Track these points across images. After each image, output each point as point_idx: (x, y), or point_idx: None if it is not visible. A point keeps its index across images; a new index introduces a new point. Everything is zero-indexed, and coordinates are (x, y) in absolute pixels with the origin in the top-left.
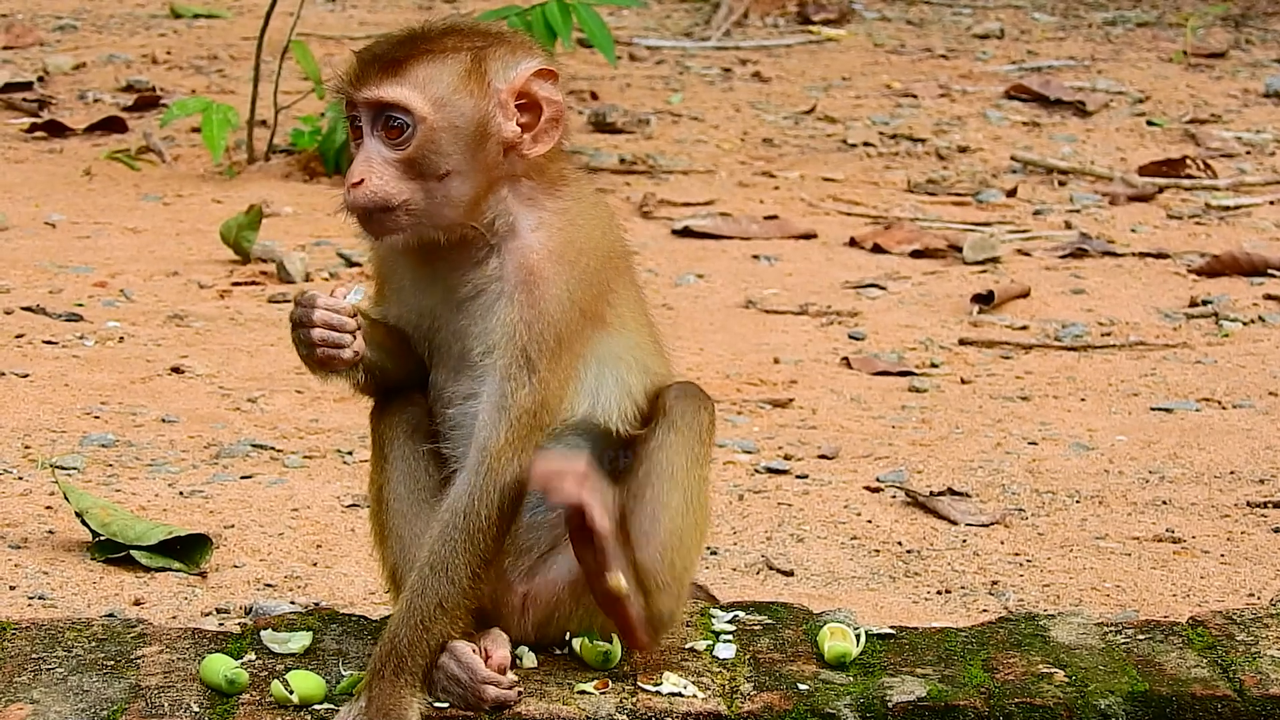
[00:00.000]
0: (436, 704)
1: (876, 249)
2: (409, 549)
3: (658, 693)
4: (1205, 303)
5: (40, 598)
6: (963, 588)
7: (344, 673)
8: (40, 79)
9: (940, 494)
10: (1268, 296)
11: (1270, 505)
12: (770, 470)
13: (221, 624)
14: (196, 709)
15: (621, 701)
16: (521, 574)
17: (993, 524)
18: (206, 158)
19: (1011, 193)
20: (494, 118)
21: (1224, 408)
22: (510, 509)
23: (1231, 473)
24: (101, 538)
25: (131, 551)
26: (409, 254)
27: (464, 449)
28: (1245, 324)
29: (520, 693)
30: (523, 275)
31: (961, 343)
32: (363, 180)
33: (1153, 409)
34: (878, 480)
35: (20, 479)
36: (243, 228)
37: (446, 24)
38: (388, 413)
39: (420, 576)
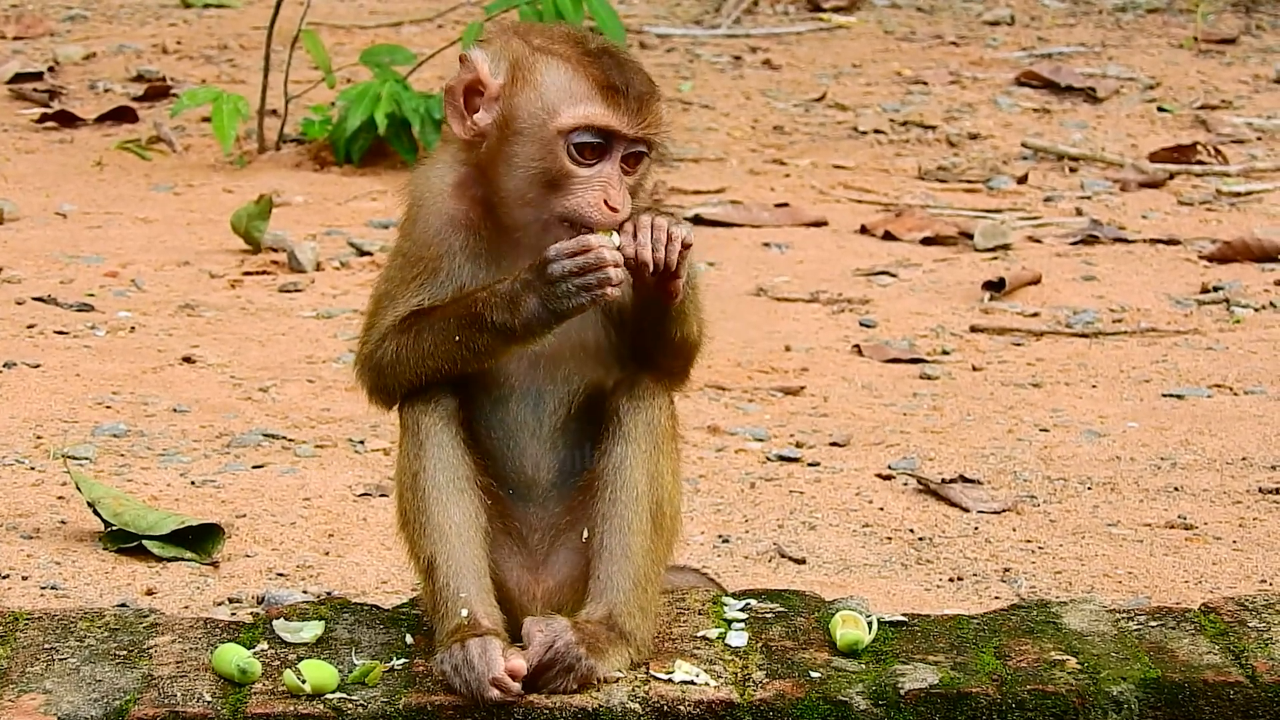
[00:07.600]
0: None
1: (887, 236)
2: (450, 537)
3: (670, 681)
4: (1216, 289)
5: (52, 588)
6: (975, 575)
7: (356, 662)
8: (50, 69)
9: (952, 481)
10: (1279, 283)
11: None
12: (782, 458)
13: (234, 613)
14: (209, 698)
15: (634, 690)
16: (540, 559)
17: (1004, 511)
18: (217, 147)
19: (1022, 179)
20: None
21: (1235, 394)
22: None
23: (1243, 459)
24: (113, 528)
25: (143, 541)
26: (478, 231)
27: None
28: (1256, 310)
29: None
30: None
31: (973, 330)
32: (619, 210)
33: (1164, 395)
34: (889, 468)
35: (32, 469)
36: (253, 217)
37: (632, 59)
38: (422, 401)
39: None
